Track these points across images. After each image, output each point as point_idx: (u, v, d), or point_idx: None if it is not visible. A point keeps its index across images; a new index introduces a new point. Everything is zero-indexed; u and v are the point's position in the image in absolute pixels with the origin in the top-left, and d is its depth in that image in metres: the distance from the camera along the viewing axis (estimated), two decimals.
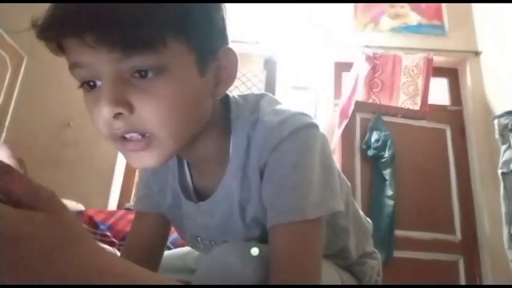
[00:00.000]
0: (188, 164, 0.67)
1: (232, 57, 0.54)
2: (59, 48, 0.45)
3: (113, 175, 2.56)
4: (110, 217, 1.85)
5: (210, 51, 0.51)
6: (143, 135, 0.47)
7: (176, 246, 1.30)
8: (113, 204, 2.53)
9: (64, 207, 0.30)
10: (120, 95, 0.44)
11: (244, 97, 0.63)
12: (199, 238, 0.67)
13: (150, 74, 0.45)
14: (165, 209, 0.70)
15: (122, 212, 1.96)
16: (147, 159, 0.49)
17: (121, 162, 2.64)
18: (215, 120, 0.57)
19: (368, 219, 0.83)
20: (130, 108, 0.45)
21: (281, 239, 0.51)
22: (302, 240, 0.50)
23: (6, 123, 2.39)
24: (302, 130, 0.54)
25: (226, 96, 0.62)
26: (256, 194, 0.56)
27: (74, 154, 2.52)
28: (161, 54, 0.43)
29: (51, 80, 2.38)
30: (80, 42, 0.41)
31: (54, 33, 0.43)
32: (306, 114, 0.57)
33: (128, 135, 0.47)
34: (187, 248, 0.88)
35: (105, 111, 0.44)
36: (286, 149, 0.53)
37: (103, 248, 0.32)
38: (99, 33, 0.40)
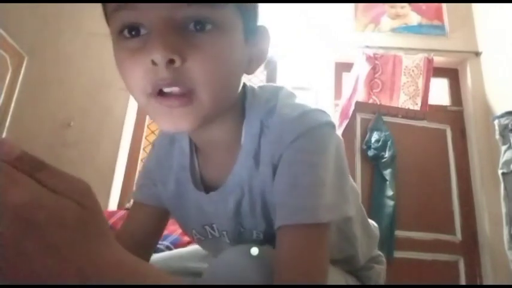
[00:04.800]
0: (196, 153, 0.65)
1: (267, 37, 0.55)
2: None
3: (113, 175, 2.56)
4: (111, 217, 1.85)
5: (253, 24, 0.52)
6: (184, 93, 0.46)
7: (177, 247, 1.30)
8: (113, 204, 2.53)
9: (96, 202, 0.31)
10: (174, 42, 0.43)
11: (261, 87, 0.62)
12: (214, 225, 0.64)
13: (207, 27, 0.45)
14: (166, 199, 0.67)
15: (123, 212, 1.96)
16: (182, 119, 0.47)
17: (121, 162, 2.64)
18: (233, 105, 0.56)
19: (375, 224, 0.81)
20: (183, 58, 0.44)
21: (289, 241, 0.48)
22: (311, 244, 0.48)
23: (7, 123, 2.39)
24: (320, 128, 0.52)
25: (243, 84, 0.61)
26: (267, 186, 0.54)
27: (74, 154, 2.52)
28: (219, 11, 0.45)
29: (52, 80, 2.38)
30: None
31: None
32: (324, 112, 0.55)
33: (167, 90, 0.45)
34: (187, 249, 0.87)
35: (158, 56, 0.42)
36: (302, 146, 0.51)
37: (123, 250, 0.32)
38: None
